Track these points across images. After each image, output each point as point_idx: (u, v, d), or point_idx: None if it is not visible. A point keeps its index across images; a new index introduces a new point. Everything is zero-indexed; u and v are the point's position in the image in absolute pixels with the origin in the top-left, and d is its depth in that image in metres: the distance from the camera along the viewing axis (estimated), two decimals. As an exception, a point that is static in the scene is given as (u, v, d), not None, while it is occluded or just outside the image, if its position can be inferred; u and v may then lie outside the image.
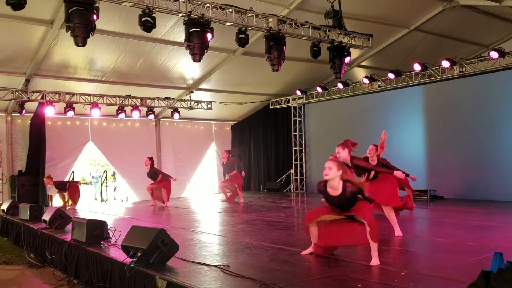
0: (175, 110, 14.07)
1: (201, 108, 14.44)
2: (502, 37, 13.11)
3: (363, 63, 13.66)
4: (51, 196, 12.69)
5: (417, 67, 11.74)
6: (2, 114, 12.87)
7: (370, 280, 3.94)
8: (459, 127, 11.54)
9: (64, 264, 6.15)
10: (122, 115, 13.15)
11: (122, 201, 14.60)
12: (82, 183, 19.06)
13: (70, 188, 11.85)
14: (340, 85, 13.65)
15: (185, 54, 9.90)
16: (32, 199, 11.81)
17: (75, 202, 11.92)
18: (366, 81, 13.07)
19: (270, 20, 8.93)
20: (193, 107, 14.20)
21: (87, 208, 12.08)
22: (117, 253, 5.17)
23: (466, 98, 11.51)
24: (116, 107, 13.06)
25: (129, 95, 13.09)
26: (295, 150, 15.75)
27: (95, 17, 7.09)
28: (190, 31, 7.98)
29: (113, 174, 15.41)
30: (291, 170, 15.77)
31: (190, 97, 14.08)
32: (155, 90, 13.43)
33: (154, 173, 11.93)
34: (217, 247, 5.89)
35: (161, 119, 15.48)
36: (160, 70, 12.32)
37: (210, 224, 8.52)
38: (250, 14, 8.66)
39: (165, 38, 10.60)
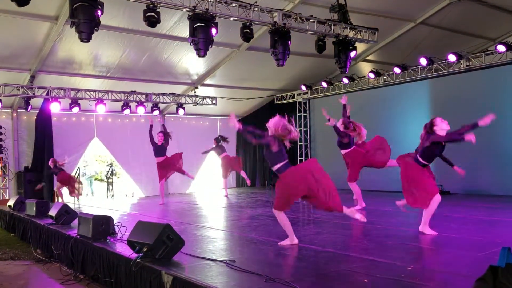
0: (180, 105, 14.07)
1: (206, 104, 14.44)
2: (509, 30, 12.99)
3: (368, 58, 13.59)
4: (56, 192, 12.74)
5: (423, 61, 11.65)
6: (8, 110, 12.93)
7: (376, 275, 3.92)
8: (465, 122, 11.38)
9: (71, 260, 6.18)
10: (127, 111, 13.18)
11: (127, 196, 14.65)
12: (87, 179, 19.17)
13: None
14: (345, 80, 13.59)
15: (190, 50, 9.88)
16: (38, 195, 11.87)
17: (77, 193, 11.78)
18: (371, 75, 13.00)
19: (275, 14, 8.89)
20: (198, 102, 14.19)
21: (93, 203, 12.12)
22: (123, 249, 5.19)
23: (473, 92, 11.42)
24: (121, 103, 13.09)
25: (134, 91, 13.10)
26: (300, 146, 15.72)
27: (99, 12, 7.08)
28: (195, 26, 7.96)
29: (108, 172, 15.41)
30: (297, 166, 15.73)
31: (195, 92, 14.07)
32: (160, 86, 13.43)
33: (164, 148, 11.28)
34: (222, 242, 5.89)
35: (166, 115, 15.49)
36: (164, 66, 12.32)
37: (216, 220, 8.53)
38: (255, 9, 8.62)
39: (169, 33, 10.58)
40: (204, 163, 16.28)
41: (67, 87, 12.06)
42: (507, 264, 2.68)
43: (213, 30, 8.11)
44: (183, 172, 11.45)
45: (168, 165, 11.24)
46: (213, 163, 16.76)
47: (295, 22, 9.14)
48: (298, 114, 15.76)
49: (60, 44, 10.28)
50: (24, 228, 8.66)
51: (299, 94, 15.53)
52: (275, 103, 16.16)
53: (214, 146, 13.01)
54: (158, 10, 7.54)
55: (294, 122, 5.27)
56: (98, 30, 7.19)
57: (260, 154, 16.76)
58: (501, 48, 10.35)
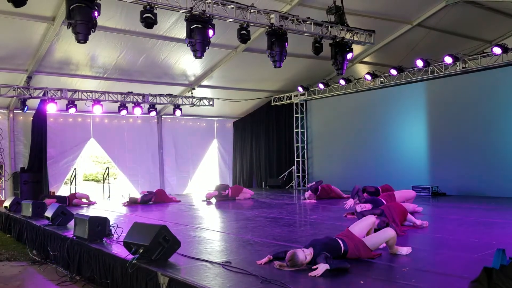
0: (177, 107, 14.08)
1: (203, 105, 14.44)
2: (505, 32, 13.07)
3: (365, 59, 13.63)
4: (53, 192, 12.72)
5: (419, 63, 11.70)
6: (4, 111, 12.90)
7: (372, 276, 3.93)
8: (461, 124, 11.50)
9: (67, 261, 6.17)
10: (124, 112, 13.18)
11: (123, 197, 14.60)
12: (84, 180, 19.09)
13: None
14: (342, 82, 13.62)
15: (187, 51, 9.88)
16: (34, 196, 11.84)
17: None
18: (368, 77, 13.04)
19: (271, 16, 8.90)
20: (195, 103, 14.20)
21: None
22: (119, 250, 5.18)
23: (469, 94, 11.46)
24: (117, 104, 13.08)
25: (131, 92, 13.10)
26: (297, 147, 15.74)
27: (96, 13, 7.07)
28: (192, 27, 7.96)
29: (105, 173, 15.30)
30: (293, 167, 15.76)
31: (192, 93, 14.07)
32: (157, 87, 13.43)
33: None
34: (219, 244, 5.89)
35: (163, 116, 15.48)
36: (161, 67, 12.32)
37: (212, 221, 8.52)
38: (252, 10, 8.63)
39: (166, 34, 10.58)
40: (200, 164, 16.30)
41: (64, 88, 12.04)
42: (502, 266, 2.69)
43: (210, 32, 8.11)
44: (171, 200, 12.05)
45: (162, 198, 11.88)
46: (209, 164, 16.81)
47: (292, 24, 9.15)
48: (295, 116, 15.78)
49: (57, 45, 10.27)
50: (20, 229, 8.63)
51: (296, 96, 15.55)
52: (272, 104, 16.19)
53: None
54: (155, 11, 7.54)
55: None
56: (95, 31, 7.18)
57: (256, 155, 16.79)
58: (497, 50, 10.39)
